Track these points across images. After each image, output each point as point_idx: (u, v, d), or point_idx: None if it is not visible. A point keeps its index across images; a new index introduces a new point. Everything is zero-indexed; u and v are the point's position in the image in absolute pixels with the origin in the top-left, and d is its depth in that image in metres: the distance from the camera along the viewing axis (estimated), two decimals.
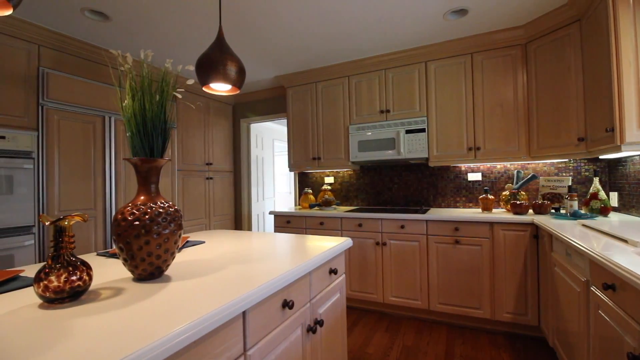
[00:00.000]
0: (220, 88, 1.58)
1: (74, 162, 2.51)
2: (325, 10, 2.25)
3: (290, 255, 1.27)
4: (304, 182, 3.85)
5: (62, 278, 0.78)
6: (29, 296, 0.85)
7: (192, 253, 1.35)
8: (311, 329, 1.20)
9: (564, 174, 2.66)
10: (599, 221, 1.88)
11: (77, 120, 2.54)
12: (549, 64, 2.37)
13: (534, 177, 2.53)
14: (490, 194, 2.90)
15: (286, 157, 6.76)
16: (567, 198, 2.21)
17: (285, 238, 1.66)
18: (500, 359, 2.03)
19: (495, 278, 2.34)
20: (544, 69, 2.40)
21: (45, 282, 0.76)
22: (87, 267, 0.83)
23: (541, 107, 2.43)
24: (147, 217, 0.92)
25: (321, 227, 2.99)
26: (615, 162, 2.37)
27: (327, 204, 3.17)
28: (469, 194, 2.99)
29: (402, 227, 2.64)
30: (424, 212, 2.71)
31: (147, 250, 0.92)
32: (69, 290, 0.78)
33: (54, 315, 0.72)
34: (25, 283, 0.94)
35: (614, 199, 2.38)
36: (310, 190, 3.43)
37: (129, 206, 0.94)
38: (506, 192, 2.62)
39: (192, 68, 1.25)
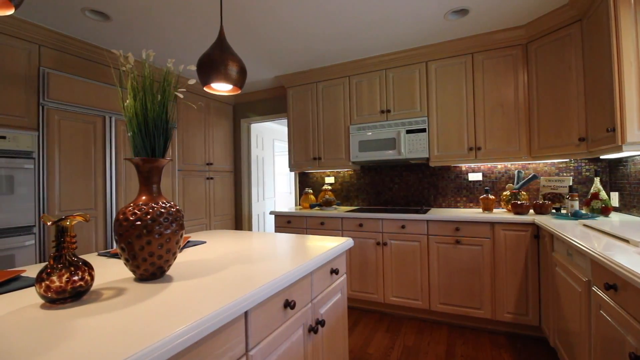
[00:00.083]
0: (221, 88, 1.58)
1: (74, 162, 2.51)
2: (326, 10, 2.25)
3: (291, 255, 1.27)
4: (305, 182, 3.85)
5: (64, 278, 0.78)
6: (30, 296, 0.85)
7: (194, 253, 1.35)
8: (313, 329, 1.20)
9: (565, 174, 2.65)
10: (600, 221, 1.88)
11: (78, 120, 2.54)
12: (550, 64, 2.36)
13: (534, 177, 2.52)
14: (491, 194, 2.90)
15: (286, 157, 6.76)
16: (568, 198, 2.21)
17: (286, 238, 1.66)
18: (501, 359, 2.03)
19: (496, 278, 2.34)
20: (545, 69, 2.40)
21: (47, 282, 0.76)
22: (89, 267, 0.83)
23: (542, 107, 2.43)
24: (148, 217, 0.92)
25: (322, 227, 2.99)
26: (616, 162, 2.37)
27: (327, 204, 3.17)
28: (469, 194, 2.99)
29: (403, 227, 2.64)
30: (425, 212, 2.71)
31: (149, 250, 0.92)
32: (70, 291, 0.78)
33: (55, 315, 0.72)
34: (27, 283, 0.94)
35: (614, 199, 2.38)
36: (310, 190, 3.43)
37: (131, 206, 0.94)
38: (507, 192, 2.62)
39: (193, 68, 1.25)
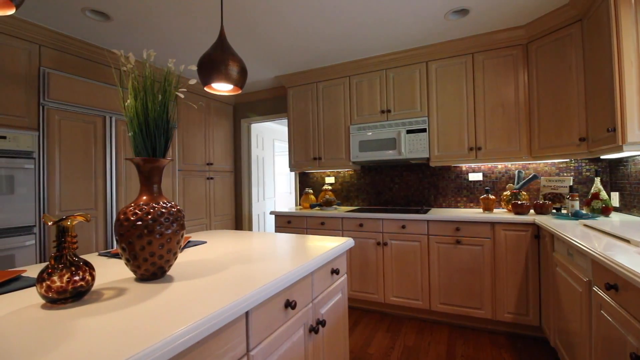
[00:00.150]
0: (222, 88, 1.58)
1: (74, 162, 2.51)
2: (327, 10, 2.25)
3: (292, 255, 1.27)
4: (305, 182, 3.85)
5: (65, 278, 0.77)
6: (31, 296, 0.85)
7: (194, 253, 1.34)
8: (313, 329, 1.20)
9: (565, 174, 2.65)
10: (601, 221, 1.88)
11: (78, 120, 2.54)
12: (550, 64, 2.36)
13: (535, 177, 2.52)
14: (491, 194, 2.90)
15: (286, 157, 6.76)
16: (568, 198, 2.21)
17: (286, 238, 1.66)
18: (501, 359, 2.03)
19: (497, 278, 2.34)
20: (545, 69, 2.40)
21: (48, 283, 0.76)
22: (90, 268, 0.83)
23: (542, 107, 2.43)
24: (149, 217, 0.92)
25: (322, 227, 2.99)
26: (616, 162, 2.37)
27: (328, 204, 3.17)
28: (470, 194, 2.99)
29: (403, 227, 2.64)
30: (425, 212, 2.71)
31: (150, 250, 0.92)
32: (71, 291, 0.78)
33: (56, 315, 0.72)
34: (28, 283, 0.94)
35: (615, 199, 2.38)
36: (311, 190, 3.43)
37: (132, 206, 0.94)
38: (507, 192, 2.62)
39: (194, 68, 1.25)
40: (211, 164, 3.84)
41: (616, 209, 2.37)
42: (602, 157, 2.17)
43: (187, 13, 2.24)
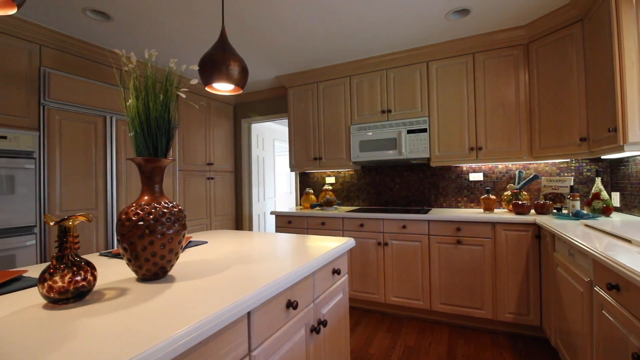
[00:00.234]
0: (223, 88, 1.58)
1: (75, 162, 2.51)
2: (327, 10, 2.24)
3: (293, 255, 1.27)
4: (305, 182, 3.85)
5: (67, 278, 0.77)
6: (33, 297, 0.85)
7: (195, 253, 1.34)
8: (315, 330, 1.20)
9: (566, 174, 2.65)
10: (602, 221, 1.88)
11: (79, 120, 2.54)
12: (551, 64, 2.36)
13: (535, 177, 2.52)
14: (492, 194, 2.90)
15: (286, 157, 6.76)
16: (569, 198, 2.21)
17: (287, 238, 1.66)
18: (502, 359, 2.03)
19: (497, 278, 2.34)
20: (546, 69, 2.40)
21: (50, 283, 0.76)
22: (92, 268, 0.83)
23: (543, 107, 2.43)
24: (151, 217, 0.92)
25: (322, 227, 2.99)
26: (617, 162, 2.37)
27: (328, 204, 3.17)
28: (470, 194, 2.98)
29: (404, 227, 2.63)
30: (426, 212, 2.71)
31: (151, 250, 0.92)
32: (73, 291, 0.78)
33: (58, 316, 0.72)
34: (29, 283, 0.94)
35: (615, 199, 2.38)
36: (311, 191, 3.43)
37: (133, 206, 0.94)
38: (508, 192, 2.62)
39: (196, 68, 1.25)
40: (212, 164, 3.84)
41: (617, 209, 2.37)
42: (602, 157, 2.17)
43: (187, 13, 2.24)
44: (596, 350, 1.34)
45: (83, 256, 1.17)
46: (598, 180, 2.23)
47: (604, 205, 2.14)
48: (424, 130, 2.82)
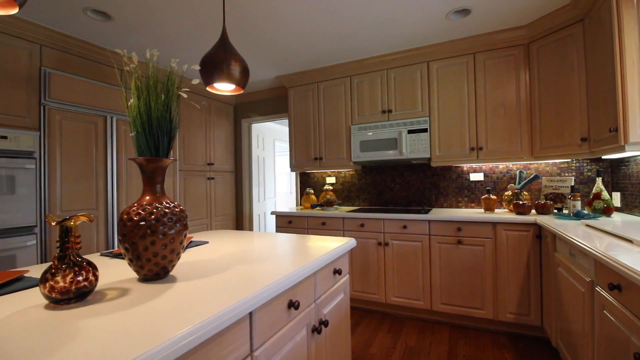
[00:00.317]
0: (224, 88, 1.58)
1: (75, 162, 2.51)
2: (328, 10, 2.24)
3: (295, 255, 1.27)
4: (306, 182, 3.85)
5: (68, 278, 0.77)
6: (34, 297, 0.84)
7: (197, 253, 1.34)
8: (316, 330, 1.19)
9: (567, 174, 2.65)
10: (602, 221, 1.88)
11: (79, 120, 2.54)
12: (552, 63, 2.36)
13: (536, 177, 2.52)
14: (493, 194, 2.90)
15: (287, 157, 6.76)
16: (569, 198, 2.21)
17: (288, 238, 1.66)
18: (503, 359, 2.03)
19: (498, 278, 2.34)
20: (547, 69, 2.40)
21: (52, 283, 0.76)
22: (93, 268, 0.82)
23: (544, 107, 2.43)
24: (152, 217, 0.92)
25: (323, 227, 2.99)
26: (618, 162, 2.37)
27: (329, 204, 3.17)
28: (471, 194, 2.98)
29: (405, 227, 2.63)
30: (426, 212, 2.71)
31: (153, 250, 0.92)
32: (75, 291, 0.78)
33: (60, 316, 0.71)
34: (31, 284, 0.94)
35: (616, 199, 2.38)
36: (312, 191, 3.43)
37: (135, 206, 0.94)
38: (508, 192, 2.61)
39: (197, 68, 1.25)
40: (212, 164, 3.83)
41: (618, 209, 2.37)
42: (603, 157, 2.16)
43: (188, 13, 2.24)
44: (597, 350, 1.34)
45: (84, 256, 1.17)
46: (599, 180, 2.23)
47: (605, 205, 2.13)
48: (425, 130, 2.82)
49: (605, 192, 2.18)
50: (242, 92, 1.58)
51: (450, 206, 3.07)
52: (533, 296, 2.24)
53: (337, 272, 1.44)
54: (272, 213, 3.26)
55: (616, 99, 1.75)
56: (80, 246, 0.82)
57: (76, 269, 0.79)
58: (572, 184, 2.50)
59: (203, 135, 3.73)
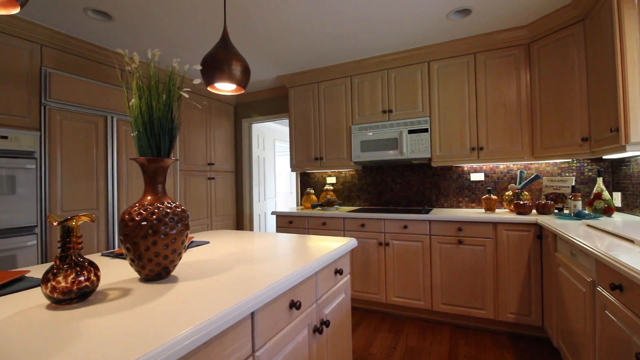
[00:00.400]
0: (225, 88, 1.58)
1: (76, 162, 2.51)
2: (328, 10, 2.24)
3: (296, 255, 1.27)
4: (306, 182, 3.85)
5: (70, 279, 0.77)
6: (35, 297, 0.84)
7: (198, 253, 1.34)
8: (317, 330, 1.19)
9: (567, 174, 2.65)
10: (603, 221, 1.87)
11: (80, 120, 2.54)
12: (553, 63, 2.36)
13: (537, 177, 2.52)
14: (493, 194, 2.90)
15: (287, 157, 6.76)
16: (570, 198, 2.20)
17: (289, 238, 1.66)
18: (503, 359, 2.02)
19: (499, 278, 2.34)
20: (548, 69, 2.39)
21: (53, 283, 0.76)
22: (95, 268, 0.82)
23: (544, 107, 2.42)
24: (154, 217, 0.92)
25: (323, 227, 2.99)
26: (618, 162, 2.37)
27: (329, 204, 3.17)
28: (471, 194, 2.98)
29: (405, 227, 2.63)
30: (427, 212, 2.71)
31: (155, 250, 0.92)
32: (76, 291, 0.77)
33: (62, 316, 0.71)
34: (32, 284, 0.94)
35: (617, 199, 2.37)
36: (312, 191, 3.43)
37: (137, 206, 0.94)
38: (509, 192, 2.61)
39: (199, 68, 1.25)
40: (212, 164, 3.83)
41: (618, 209, 2.37)
42: (604, 157, 2.16)
43: (189, 13, 2.24)
44: (599, 350, 1.34)
45: (85, 256, 1.17)
46: (599, 180, 2.23)
47: (606, 205, 2.13)
48: (425, 130, 2.82)
49: (606, 192, 2.18)
50: (243, 92, 1.58)
51: (451, 206, 3.07)
52: (534, 296, 2.23)
53: (338, 272, 1.44)
54: (273, 213, 3.26)
55: (617, 98, 1.75)
56: (81, 246, 0.82)
57: (78, 269, 0.79)
58: (573, 184, 2.50)
59: (203, 135, 3.73)
